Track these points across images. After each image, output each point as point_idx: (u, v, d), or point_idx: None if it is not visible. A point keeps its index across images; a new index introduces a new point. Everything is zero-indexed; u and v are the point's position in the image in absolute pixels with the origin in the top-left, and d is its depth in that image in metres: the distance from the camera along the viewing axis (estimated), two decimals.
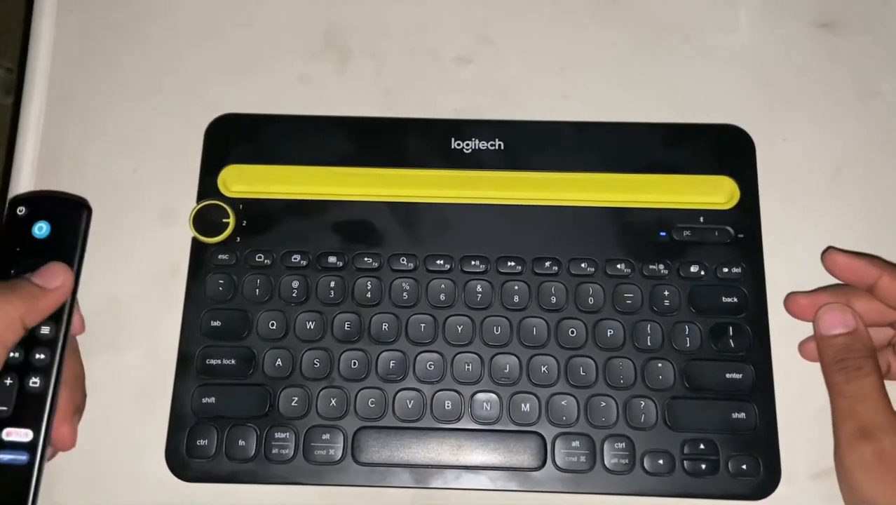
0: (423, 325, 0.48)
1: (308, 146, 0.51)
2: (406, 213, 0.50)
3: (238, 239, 0.49)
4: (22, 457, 0.41)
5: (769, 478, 0.45)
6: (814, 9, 0.55)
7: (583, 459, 0.45)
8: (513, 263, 0.49)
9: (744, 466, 0.45)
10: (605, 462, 0.45)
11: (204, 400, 0.46)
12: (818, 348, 0.46)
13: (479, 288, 0.48)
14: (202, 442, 0.46)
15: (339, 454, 0.46)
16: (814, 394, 0.46)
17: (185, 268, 0.49)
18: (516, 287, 0.48)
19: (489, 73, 0.54)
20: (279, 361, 0.47)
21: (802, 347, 0.47)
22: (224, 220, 0.49)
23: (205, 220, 0.49)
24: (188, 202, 0.50)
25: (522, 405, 0.46)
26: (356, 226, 0.50)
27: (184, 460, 0.46)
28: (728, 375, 0.46)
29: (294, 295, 0.48)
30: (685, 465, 0.45)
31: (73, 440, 0.44)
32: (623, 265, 0.48)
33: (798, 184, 0.51)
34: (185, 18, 0.55)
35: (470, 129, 0.51)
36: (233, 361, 0.47)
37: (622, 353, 0.47)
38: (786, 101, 0.53)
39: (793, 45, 0.54)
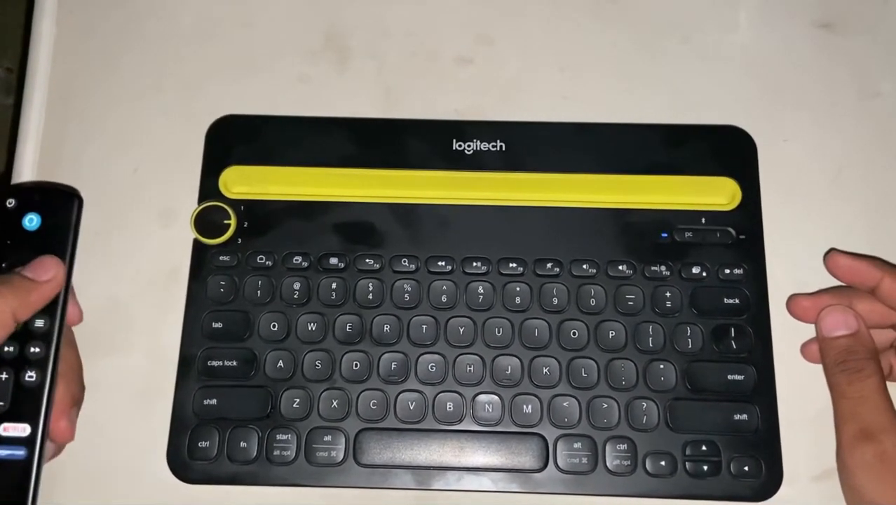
0: (424, 326, 0.48)
1: (309, 148, 0.51)
2: (407, 214, 0.50)
3: (239, 240, 0.49)
4: (20, 452, 0.41)
5: (771, 479, 0.45)
6: (814, 9, 0.55)
7: (584, 460, 0.45)
8: (514, 265, 0.49)
9: (746, 468, 0.45)
10: (607, 464, 0.45)
11: (205, 401, 0.46)
12: (820, 350, 0.46)
13: (480, 289, 0.48)
14: (204, 444, 0.46)
15: (341, 456, 0.46)
16: (816, 395, 0.46)
17: (186, 269, 0.49)
18: (518, 288, 0.48)
19: (490, 74, 0.54)
20: (281, 363, 0.47)
21: (804, 348, 0.47)
22: (225, 222, 0.49)
23: (206, 222, 0.49)
24: (189, 203, 0.50)
25: (524, 407, 0.46)
26: (358, 227, 0.50)
27: (185, 462, 0.46)
28: (730, 377, 0.46)
29: (295, 296, 0.48)
30: (687, 466, 0.45)
31: (71, 434, 0.44)
32: (624, 266, 0.48)
33: (799, 185, 0.51)
34: (186, 18, 0.55)
35: (471, 130, 0.51)
36: (234, 363, 0.47)
37: (624, 354, 0.47)
38: (786, 101, 0.53)
39: (793, 45, 0.54)
